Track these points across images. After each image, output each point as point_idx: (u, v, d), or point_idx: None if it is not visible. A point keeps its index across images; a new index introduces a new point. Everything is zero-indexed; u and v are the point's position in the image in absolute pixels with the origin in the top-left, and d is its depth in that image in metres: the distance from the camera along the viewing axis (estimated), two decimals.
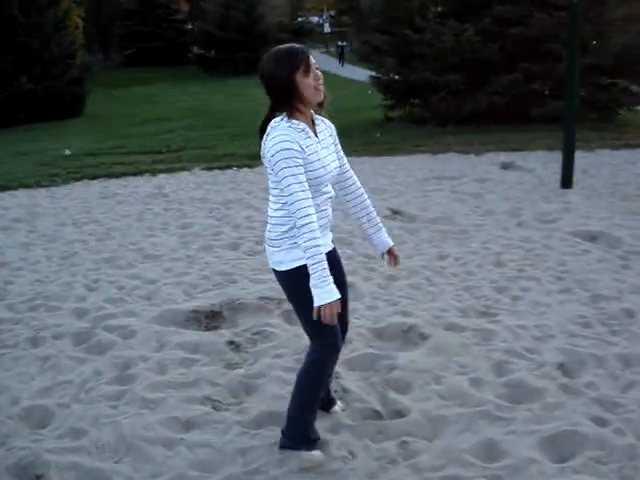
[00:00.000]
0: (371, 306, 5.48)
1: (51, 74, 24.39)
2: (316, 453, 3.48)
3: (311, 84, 3.18)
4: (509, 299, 5.60)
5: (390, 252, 3.81)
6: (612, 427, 3.60)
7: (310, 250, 3.07)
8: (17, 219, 9.25)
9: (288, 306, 5.38)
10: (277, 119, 3.22)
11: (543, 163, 11.54)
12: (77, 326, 5.34)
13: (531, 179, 10.38)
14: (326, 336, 3.35)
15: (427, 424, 3.76)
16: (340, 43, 43.38)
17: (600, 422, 3.66)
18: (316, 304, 3.08)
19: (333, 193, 3.44)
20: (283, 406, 3.95)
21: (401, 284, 5.99)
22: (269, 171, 3.21)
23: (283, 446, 3.51)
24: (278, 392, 4.14)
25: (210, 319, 5.36)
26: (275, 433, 3.71)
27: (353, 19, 51.20)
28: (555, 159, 10.70)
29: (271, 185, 3.28)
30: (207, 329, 5.23)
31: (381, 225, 3.72)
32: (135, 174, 12.25)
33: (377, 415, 3.86)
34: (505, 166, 11.47)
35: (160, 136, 17.81)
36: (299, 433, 3.52)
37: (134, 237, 8.00)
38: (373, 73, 19.61)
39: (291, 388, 4.14)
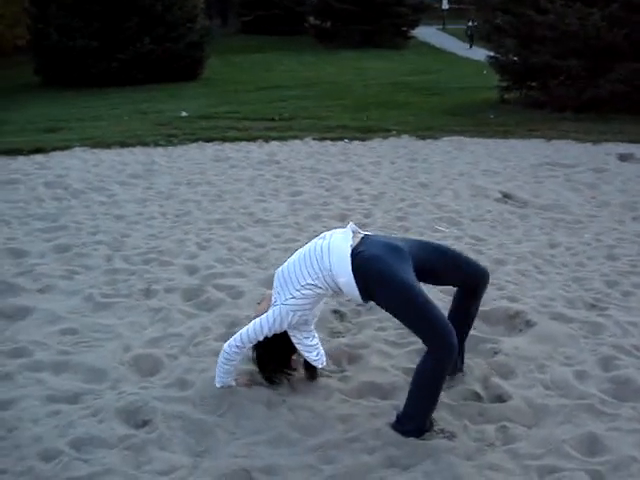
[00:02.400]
0: None
1: (172, 37, 24.92)
2: None
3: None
4: (619, 294, 5.44)
5: None
6: None
7: None
8: (135, 175, 9.57)
9: None
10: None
11: None
12: (188, 282, 5.53)
13: None
14: (436, 333, 3.39)
15: (528, 411, 3.72)
16: (470, 24, 39.43)
17: None
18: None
19: None
20: (384, 378, 4.02)
21: (509, 269, 5.91)
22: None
23: (395, 429, 3.51)
24: (380, 364, 4.18)
25: None
26: (375, 404, 3.77)
27: None
28: None
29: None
30: None
31: None
32: (248, 140, 12.43)
33: (477, 397, 3.86)
34: (623, 157, 11.07)
35: (273, 104, 17.99)
36: (414, 427, 3.49)
37: (245, 201, 8.16)
38: (491, 53, 19.19)
39: (393, 362, 4.22)
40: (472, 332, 4.56)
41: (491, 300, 5.10)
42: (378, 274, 3.48)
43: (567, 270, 5.98)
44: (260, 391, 3.85)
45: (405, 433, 3.46)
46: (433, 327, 3.40)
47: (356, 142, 12.35)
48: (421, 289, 3.47)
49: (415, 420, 3.49)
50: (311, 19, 44.47)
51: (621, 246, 6.63)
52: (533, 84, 18.22)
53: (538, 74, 17.43)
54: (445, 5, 52.70)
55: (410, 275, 3.50)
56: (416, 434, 3.46)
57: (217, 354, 4.25)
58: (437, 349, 3.40)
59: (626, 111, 15.53)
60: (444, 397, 3.76)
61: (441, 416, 3.61)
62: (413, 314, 3.46)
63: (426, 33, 44.16)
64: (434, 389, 3.49)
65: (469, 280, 3.81)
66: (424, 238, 6.67)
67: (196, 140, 12.36)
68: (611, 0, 16.04)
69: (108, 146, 11.76)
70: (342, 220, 7.33)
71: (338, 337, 4.59)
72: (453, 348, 3.39)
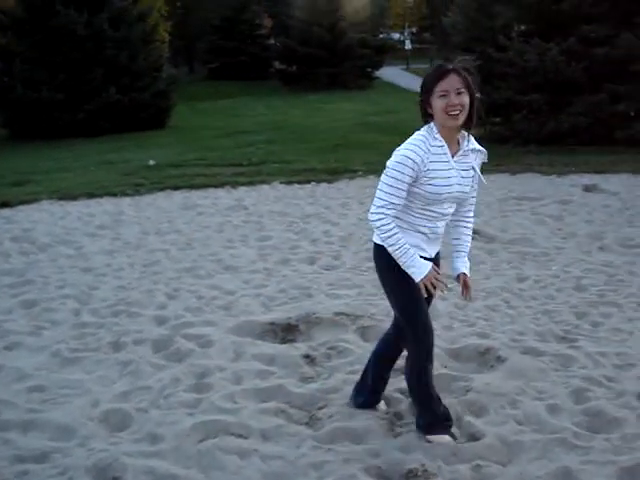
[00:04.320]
0: (447, 326, 5.44)
1: (138, 86, 25.01)
2: (445, 437, 3.75)
3: (441, 108, 3.38)
4: (589, 325, 5.49)
5: (462, 280, 3.84)
6: None
7: (390, 246, 3.48)
8: (102, 226, 9.53)
9: (363, 322, 5.43)
10: (420, 130, 3.53)
11: (627, 186, 11.27)
12: (157, 333, 5.48)
13: (614, 202, 10.15)
14: (410, 326, 3.68)
15: (502, 449, 3.71)
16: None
17: None
18: (417, 280, 3.47)
19: (449, 211, 3.64)
20: (356, 422, 3.98)
21: (478, 305, 5.93)
22: None
23: (419, 428, 3.81)
24: (352, 408, 4.14)
25: (286, 332, 5.42)
26: (348, 449, 3.73)
27: (435, 36, 51.01)
28: None
29: None
30: (283, 342, 5.29)
31: (463, 253, 3.80)
32: (216, 186, 12.45)
33: (451, 437, 3.83)
34: (588, 188, 11.25)
35: (241, 149, 18.06)
36: (424, 416, 3.78)
37: (214, 248, 8.15)
38: None
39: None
40: (444, 370, 4.59)
41: (461, 337, 5.11)
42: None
43: (536, 303, 6.02)
44: (231, 441, 3.80)
45: (421, 429, 3.79)
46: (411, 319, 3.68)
47: (324, 184, 12.42)
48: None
49: (423, 416, 3.78)
50: (277, 64, 44.97)
51: (589, 277, 6.70)
52: (496, 119, 18.50)
53: (501, 110, 17.71)
54: (408, 45, 53.56)
55: None
56: (425, 431, 3.76)
57: (188, 405, 4.23)
58: (412, 339, 3.72)
59: (589, 143, 15.81)
60: (417, 438, 3.75)
61: (415, 458, 3.58)
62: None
63: (390, 73, 44.72)
64: (419, 379, 3.75)
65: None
66: None
67: (164, 189, 12.35)
68: (568, 34, 16.41)
69: (75, 198, 11.72)
70: (311, 264, 7.35)
71: (309, 382, 4.56)
72: (425, 344, 3.71)
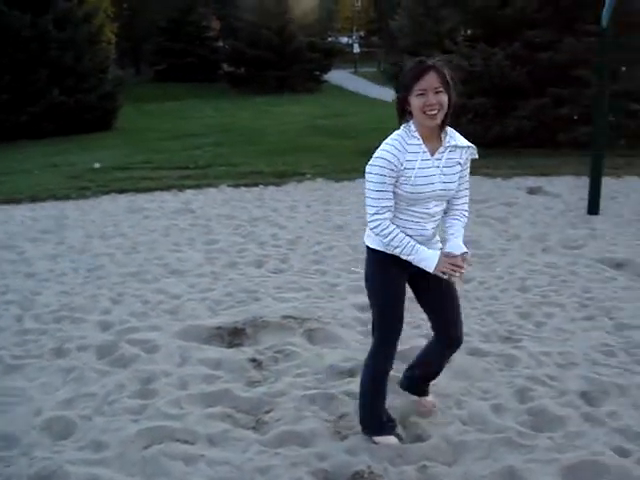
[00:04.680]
0: None
1: (83, 88, 24.66)
2: (391, 438, 3.78)
3: (418, 107, 3.35)
4: (533, 325, 5.57)
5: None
6: (634, 458, 3.57)
7: (395, 248, 3.49)
8: (46, 230, 9.36)
9: (310, 325, 5.43)
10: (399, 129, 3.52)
11: (570, 189, 11.48)
12: (101, 339, 5.40)
13: (558, 204, 10.33)
14: (381, 328, 3.72)
15: (447, 449, 3.74)
16: None
17: (622, 452, 3.63)
18: (432, 271, 3.50)
19: (435, 210, 3.57)
20: (303, 425, 3.97)
21: None
22: None
23: (364, 432, 3.83)
24: (299, 412, 4.14)
25: (233, 336, 5.38)
26: (295, 453, 3.72)
27: (383, 40, 51.41)
28: (582, 185, 10.63)
29: None
30: (230, 346, 5.25)
31: (454, 236, 3.66)
32: (162, 189, 12.33)
33: (397, 438, 3.85)
34: (532, 191, 11.43)
35: (188, 152, 17.91)
36: (370, 418, 3.81)
37: (160, 252, 8.06)
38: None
39: (312, 408, 4.19)
40: (391, 372, 4.59)
41: (407, 339, 5.12)
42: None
43: (481, 304, 6.08)
44: (177, 447, 3.76)
45: (366, 430, 3.83)
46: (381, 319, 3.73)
47: (271, 187, 12.38)
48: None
49: (366, 411, 3.82)
50: (225, 66, 44.81)
51: (532, 278, 6.79)
52: None
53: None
54: (356, 49, 53.92)
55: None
56: (371, 433, 3.79)
57: (132, 412, 4.17)
58: (376, 338, 3.78)
59: (533, 146, 16.06)
60: (363, 440, 3.76)
61: (361, 460, 3.59)
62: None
63: (338, 77, 44.95)
64: (373, 377, 3.79)
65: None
66: (341, 280, 6.72)
67: (109, 192, 12.18)
68: (513, 39, 16.66)
69: (18, 202, 11.51)
70: (259, 267, 7.32)
71: (256, 386, 4.54)
72: (387, 345, 3.75)
